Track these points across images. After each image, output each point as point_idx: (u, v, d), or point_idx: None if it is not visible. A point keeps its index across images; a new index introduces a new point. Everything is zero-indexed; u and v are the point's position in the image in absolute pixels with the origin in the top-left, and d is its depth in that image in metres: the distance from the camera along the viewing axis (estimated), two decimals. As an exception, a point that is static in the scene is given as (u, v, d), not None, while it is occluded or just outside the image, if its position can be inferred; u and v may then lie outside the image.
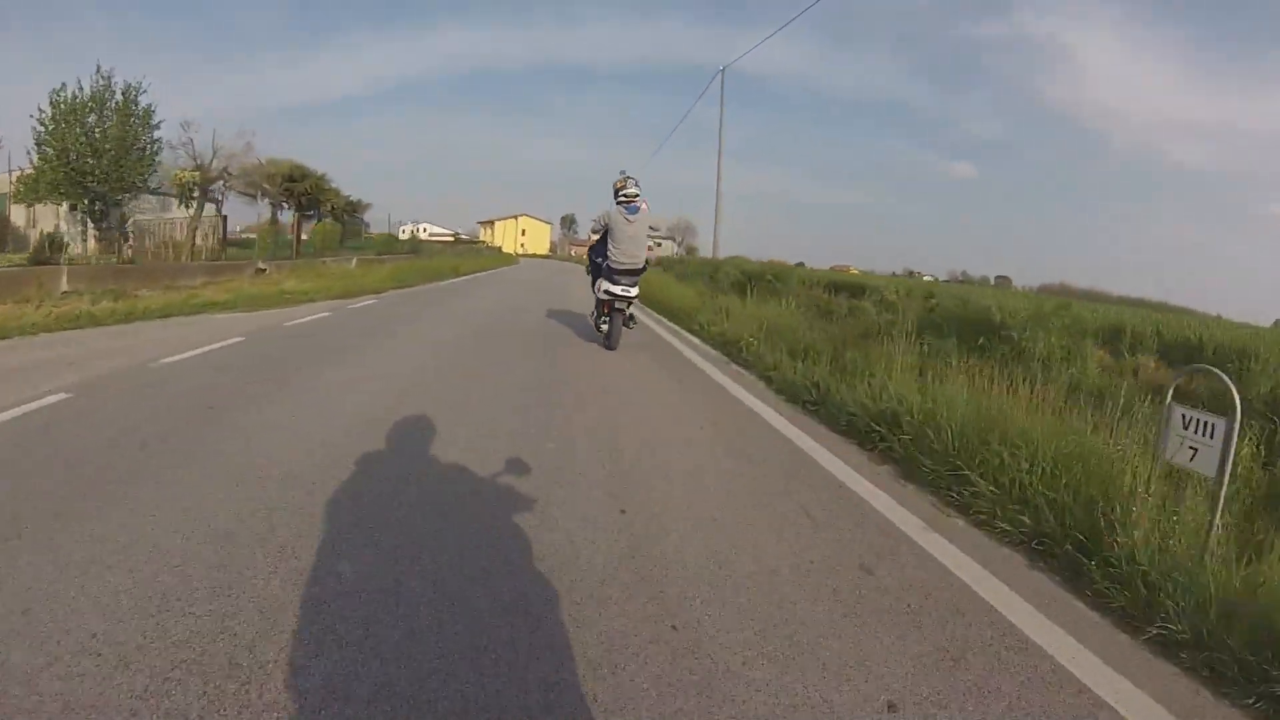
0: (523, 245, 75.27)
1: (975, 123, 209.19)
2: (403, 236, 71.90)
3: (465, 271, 23.69)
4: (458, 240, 73.94)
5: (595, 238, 7.17)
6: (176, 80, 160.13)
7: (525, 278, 23.86)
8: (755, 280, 13.58)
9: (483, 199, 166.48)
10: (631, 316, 7.22)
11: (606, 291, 6.84)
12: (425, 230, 79.91)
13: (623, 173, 6.92)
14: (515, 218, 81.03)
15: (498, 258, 44.43)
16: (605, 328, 7.06)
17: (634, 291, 6.88)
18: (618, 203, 6.80)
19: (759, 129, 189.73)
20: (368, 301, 11.17)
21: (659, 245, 60.01)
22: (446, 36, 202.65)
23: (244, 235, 31.03)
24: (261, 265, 15.68)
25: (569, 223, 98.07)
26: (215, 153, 19.38)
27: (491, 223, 78.91)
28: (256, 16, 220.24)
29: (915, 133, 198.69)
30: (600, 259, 6.94)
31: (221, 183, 20.37)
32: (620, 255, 6.70)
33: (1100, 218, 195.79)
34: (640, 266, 6.84)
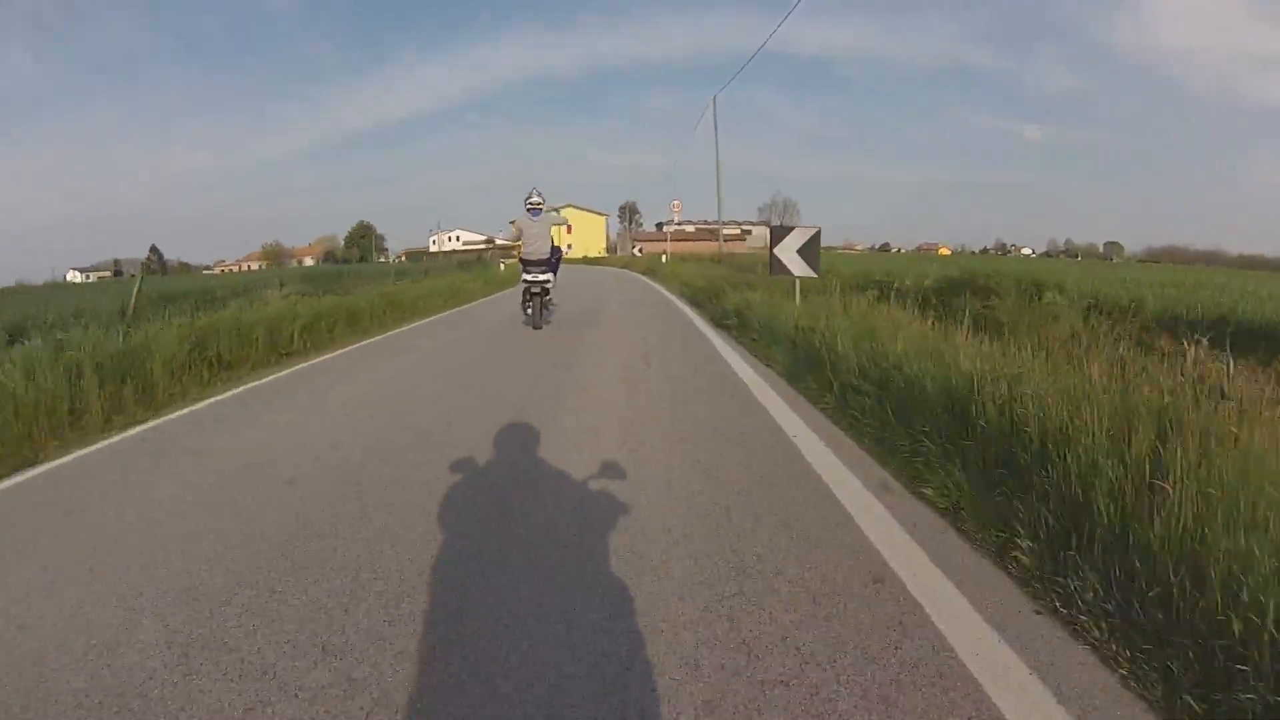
0: (569, 245, 65.31)
1: (1052, 80, 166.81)
2: (433, 248, 65.79)
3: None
4: (490, 245, 65.89)
5: (522, 244, 8.75)
6: (248, 119, 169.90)
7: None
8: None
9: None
10: (550, 300, 9.09)
11: (523, 280, 8.72)
12: (458, 238, 73.47)
13: (533, 188, 8.68)
14: (556, 209, 71.47)
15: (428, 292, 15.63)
16: (530, 311, 8.80)
17: (544, 277, 8.67)
18: (526, 210, 8.64)
19: (822, 115, 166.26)
20: None
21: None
22: (501, 48, 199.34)
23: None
24: None
25: (629, 213, 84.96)
26: None
27: (526, 221, 69.50)
28: (319, 45, 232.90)
29: (988, 97, 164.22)
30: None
31: None
32: (529, 250, 8.59)
33: (1206, 170, 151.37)
34: (545, 258, 8.67)
